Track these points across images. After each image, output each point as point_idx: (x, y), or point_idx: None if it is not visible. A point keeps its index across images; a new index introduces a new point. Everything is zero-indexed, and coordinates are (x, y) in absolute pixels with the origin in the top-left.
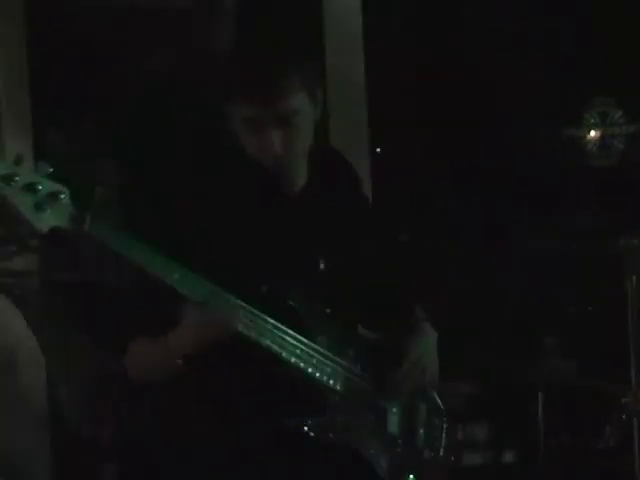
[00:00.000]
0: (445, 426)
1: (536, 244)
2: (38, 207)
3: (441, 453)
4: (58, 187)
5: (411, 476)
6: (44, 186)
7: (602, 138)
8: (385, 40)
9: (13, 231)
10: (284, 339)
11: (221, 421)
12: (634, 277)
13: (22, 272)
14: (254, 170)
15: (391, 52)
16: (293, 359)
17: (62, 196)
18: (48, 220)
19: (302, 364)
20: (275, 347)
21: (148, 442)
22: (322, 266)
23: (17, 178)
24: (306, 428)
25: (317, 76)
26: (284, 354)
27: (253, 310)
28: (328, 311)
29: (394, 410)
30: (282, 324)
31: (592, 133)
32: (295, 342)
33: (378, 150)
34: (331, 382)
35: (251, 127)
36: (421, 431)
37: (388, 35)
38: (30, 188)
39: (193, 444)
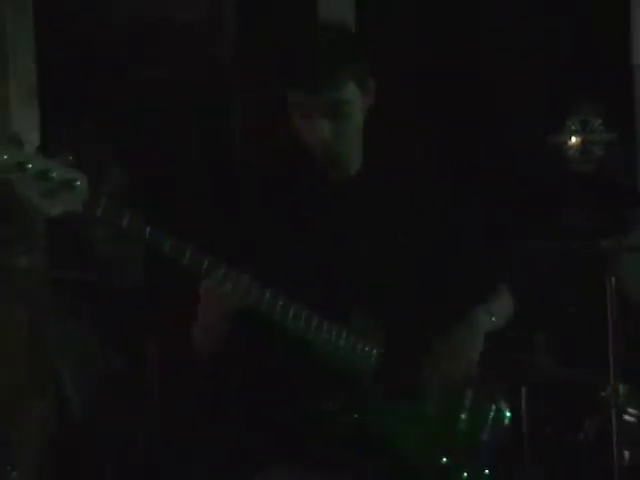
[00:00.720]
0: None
1: (524, 244)
2: (50, 193)
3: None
4: (73, 174)
5: (444, 459)
6: (57, 173)
7: (583, 144)
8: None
9: (21, 230)
10: (310, 322)
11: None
12: (613, 278)
13: (29, 270)
14: (304, 155)
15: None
16: (319, 339)
17: (77, 183)
18: (60, 205)
19: (329, 346)
20: (297, 326)
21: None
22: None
23: (29, 165)
24: (334, 410)
25: (367, 67)
26: (310, 336)
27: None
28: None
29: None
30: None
31: (573, 139)
32: (323, 326)
33: None
34: (359, 363)
35: (300, 112)
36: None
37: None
38: (42, 175)
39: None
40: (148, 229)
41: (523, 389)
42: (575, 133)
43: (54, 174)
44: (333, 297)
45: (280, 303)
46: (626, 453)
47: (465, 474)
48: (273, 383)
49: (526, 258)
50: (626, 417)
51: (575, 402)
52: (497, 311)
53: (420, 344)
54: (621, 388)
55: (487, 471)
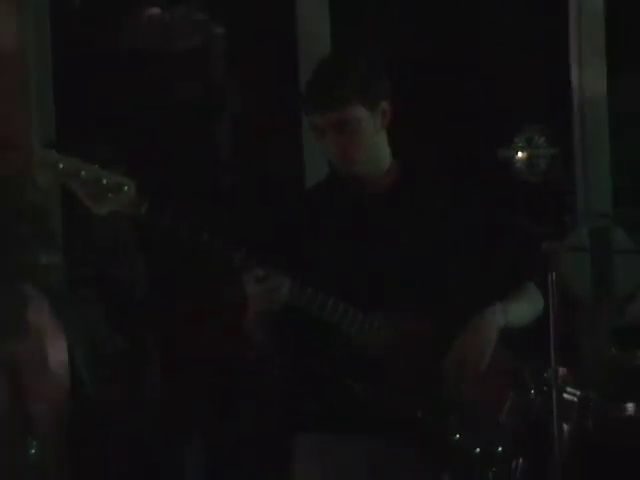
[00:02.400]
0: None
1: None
2: (99, 196)
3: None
4: (123, 180)
5: (457, 435)
6: (108, 180)
7: (528, 159)
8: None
9: (41, 231)
10: (347, 314)
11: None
12: (554, 274)
13: (48, 265)
14: (333, 176)
15: None
16: (352, 330)
17: (125, 188)
18: (108, 206)
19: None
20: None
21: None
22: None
23: (83, 173)
24: (357, 390)
25: (379, 91)
26: (344, 327)
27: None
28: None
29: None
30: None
31: (520, 154)
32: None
33: None
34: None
35: (320, 138)
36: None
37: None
38: (94, 181)
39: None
40: (204, 235)
41: None
42: (522, 149)
43: (104, 181)
44: (365, 293)
45: (319, 299)
46: (564, 426)
47: (477, 450)
48: (313, 362)
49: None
50: (564, 395)
51: (521, 382)
52: (515, 309)
53: (441, 337)
54: (560, 370)
55: (500, 448)
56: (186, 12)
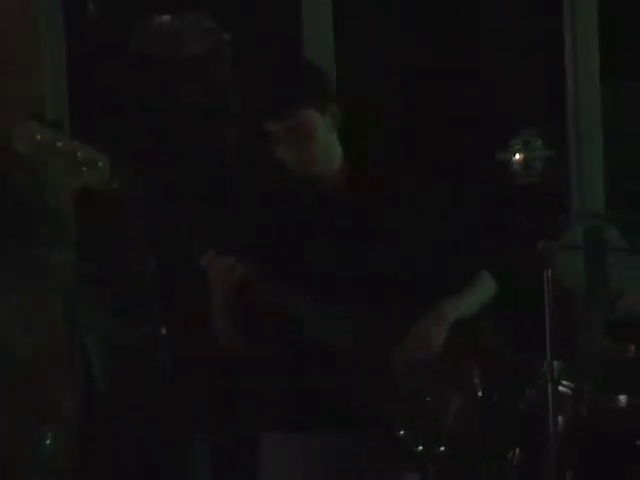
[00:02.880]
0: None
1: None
2: (73, 169)
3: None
4: (97, 156)
5: (401, 432)
6: (83, 153)
7: (525, 161)
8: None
9: (55, 231)
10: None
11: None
12: (549, 271)
13: (62, 264)
14: (293, 178)
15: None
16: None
17: (100, 164)
18: (82, 180)
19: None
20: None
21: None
22: None
23: (59, 144)
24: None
25: (328, 97)
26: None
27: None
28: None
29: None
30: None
31: (517, 156)
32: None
33: None
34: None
35: (278, 144)
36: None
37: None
38: (69, 154)
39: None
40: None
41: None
42: (519, 151)
43: (79, 154)
44: (320, 287)
45: (275, 287)
46: (559, 417)
47: (420, 447)
48: (276, 361)
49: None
50: (560, 388)
51: (518, 375)
52: (467, 301)
53: (394, 330)
54: (556, 364)
55: (442, 448)
56: (195, 19)
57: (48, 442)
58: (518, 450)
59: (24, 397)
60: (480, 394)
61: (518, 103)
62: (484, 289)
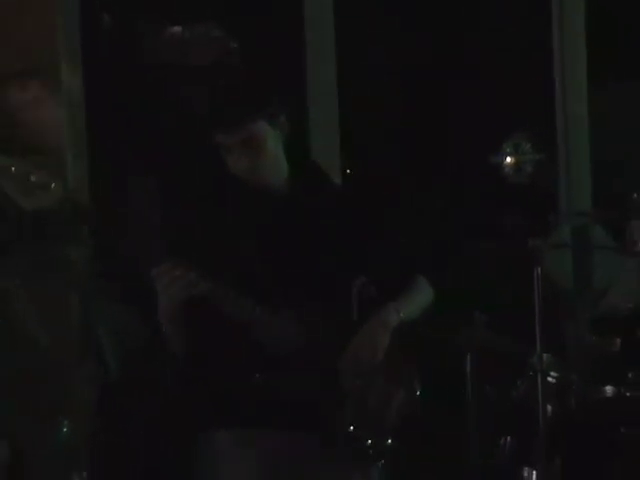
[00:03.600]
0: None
1: (475, 244)
2: (27, 192)
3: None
4: (50, 179)
5: (351, 427)
6: (36, 177)
7: (517, 163)
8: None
9: (69, 228)
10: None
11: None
12: (539, 268)
13: (78, 261)
14: (237, 183)
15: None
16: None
17: (52, 185)
18: (36, 202)
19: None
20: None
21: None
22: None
23: (13, 169)
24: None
25: (277, 109)
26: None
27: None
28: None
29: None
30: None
31: (508, 159)
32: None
33: (348, 171)
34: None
35: (230, 155)
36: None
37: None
38: (23, 177)
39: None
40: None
41: (468, 356)
42: (510, 154)
43: (33, 178)
44: (268, 286)
45: (226, 295)
46: (549, 407)
47: (369, 441)
48: (218, 362)
49: (477, 255)
50: (548, 379)
51: (509, 367)
52: (408, 306)
53: (337, 335)
54: (545, 356)
55: (390, 441)
56: (204, 30)
57: (65, 430)
58: (509, 437)
59: (42, 386)
60: (418, 392)
61: (509, 109)
62: (423, 294)
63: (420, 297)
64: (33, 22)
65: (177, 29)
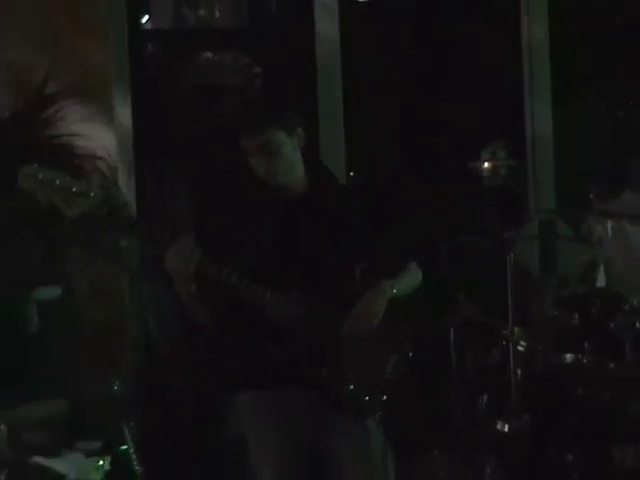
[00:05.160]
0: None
1: (457, 237)
2: (70, 201)
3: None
4: (89, 188)
5: (351, 387)
6: (77, 187)
7: (492, 168)
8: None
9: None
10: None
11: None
12: (512, 255)
13: (127, 248)
14: (257, 182)
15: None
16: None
17: (91, 194)
18: (77, 209)
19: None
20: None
21: None
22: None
23: (57, 182)
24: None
25: (293, 121)
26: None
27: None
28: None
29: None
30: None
31: (486, 164)
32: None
33: (351, 174)
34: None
35: (253, 159)
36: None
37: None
38: (66, 189)
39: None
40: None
41: (451, 330)
42: (487, 160)
43: (74, 189)
44: (280, 271)
45: (234, 275)
46: (518, 371)
47: (367, 398)
48: (239, 333)
49: (460, 247)
50: (518, 348)
51: (486, 338)
52: (400, 284)
53: (343, 304)
54: (515, 329)
55: (384, 397)
56: (232, 56)
57: (116, 388)
58: (486, 396)
59: (97, 353)
60: (411, 353)
61: (487, 124)
62: (413, 276)
63: (410, 279)
64: (89, 46)
65: (209, 55)
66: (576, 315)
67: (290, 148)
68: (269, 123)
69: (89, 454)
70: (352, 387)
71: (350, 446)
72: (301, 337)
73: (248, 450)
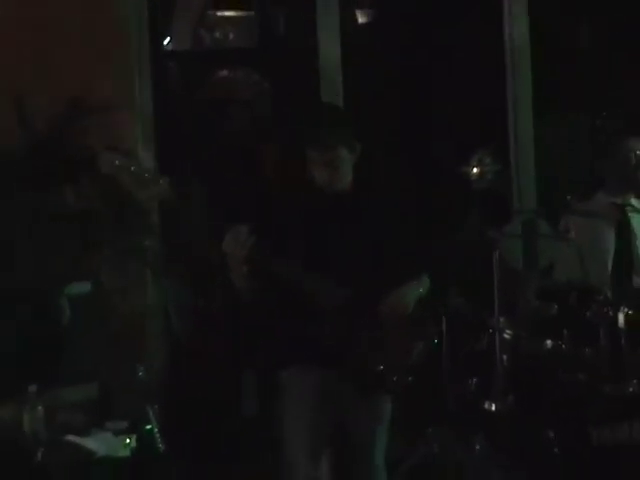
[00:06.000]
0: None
1: (447, 234)
2: (142, 185)
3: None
4: (159, 176)
5: (381, 367)
6: (149, 174)
7: (480, 173)
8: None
9: (143, 221)
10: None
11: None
12: (497, 252)
13: (149, 247)
14: (312, 185)
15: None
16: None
17: (160, 181)
18: (147, 193)
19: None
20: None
21: None
22: None
23: (132, 168)
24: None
25: (354, 137)
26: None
27: None
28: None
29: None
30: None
31: (474, 170)
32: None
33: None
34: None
35: (313, 162)
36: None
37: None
38: (139, 175)
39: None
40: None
41: (444, 319)
42: (475, 166)
43: (146, 175)
44: (329, 265)
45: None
46: (504, 356)
47: (395, 378)
48: (287, 316)
49: (448, 244)
50: (504, 335)
51: (475, 326)
52: (423, 285)
53: (375, 295)
54: (501, 318)
55: (410, 378)
56: (244, 73)
57: (140, 374)
58: (475, 378)
59: (125, 342)
60: (435, 341)
61: (476, 133)
62: (425, 282)
63: (426, 283)
64: (117, 68)
65: (224, 73)
66: (555, 306)
67: (349, 163)
68: (340, 141)
69: (117, 433)
70: (381, 367)
71: (368, 427)
72: (338, 319)
73: (277, 426)
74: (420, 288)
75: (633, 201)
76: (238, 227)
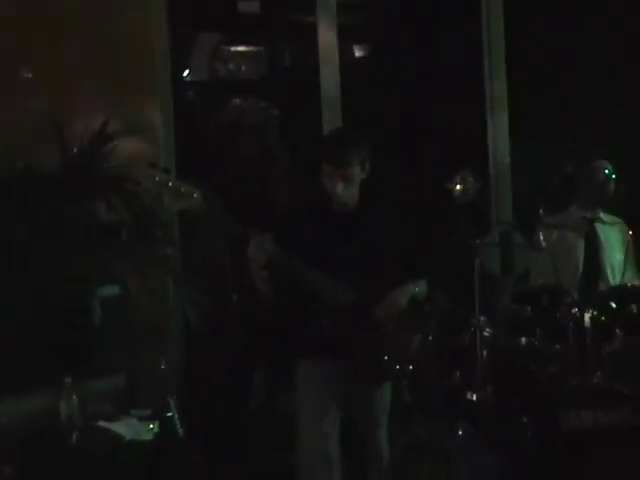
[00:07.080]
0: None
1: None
2: (177, 198)
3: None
4: (193, 190)
5: (386, 357)
6: (185, 189)
7: (463, 190)
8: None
9: (165, 233)
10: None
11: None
12: (478, 260)
13: (170, 255)
14: (323, 196)
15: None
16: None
17: (195, 195)
18: (183, 205)
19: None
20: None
21: None
22: None
23: (169, 184)
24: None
25: (366, 157)
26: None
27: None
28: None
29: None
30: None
31: (457, 187)
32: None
33: None
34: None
35: (327, 176)
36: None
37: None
38: (176, 190)
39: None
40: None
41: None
42: (458, 183)
43: (182, 189)
44: (336, 270)
45: (294, 262)
46: (484, 352)
47: (397, 367)
48: (299, 312)
49: (435, 251)
50: (484, 333)
51: (458, 324)
52: (419, 287)
53: (378, 295)
54: (482, 318)
55: (411, 367)
56: (254, 101)
57: (162, 366)
58: (459, 371)
59: (149, 339)
60: (430, 337)
61: (459, 155)
62: (422, 284)
63: (422, 286)
64: (142, 96)
65: (237, 101)
66: (529, 307)
67: (359, 178)
68: (355, 159)
69: (141, 419)
70: (386, 357)
71: (372, 416)
72: (347, 316)
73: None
74: (416, 289)
75: (602, 215)
76: (263, 235)
